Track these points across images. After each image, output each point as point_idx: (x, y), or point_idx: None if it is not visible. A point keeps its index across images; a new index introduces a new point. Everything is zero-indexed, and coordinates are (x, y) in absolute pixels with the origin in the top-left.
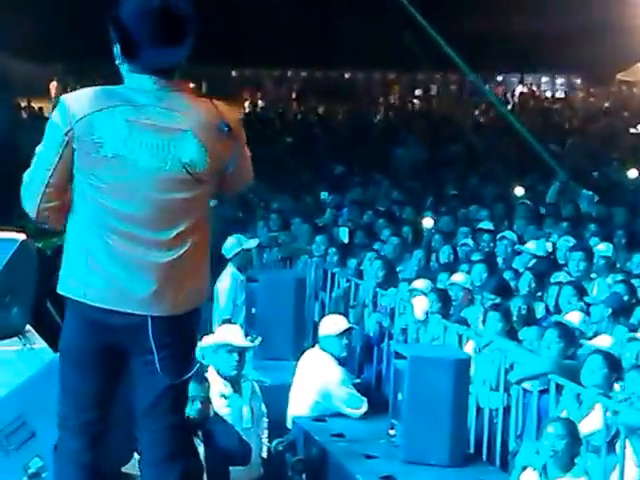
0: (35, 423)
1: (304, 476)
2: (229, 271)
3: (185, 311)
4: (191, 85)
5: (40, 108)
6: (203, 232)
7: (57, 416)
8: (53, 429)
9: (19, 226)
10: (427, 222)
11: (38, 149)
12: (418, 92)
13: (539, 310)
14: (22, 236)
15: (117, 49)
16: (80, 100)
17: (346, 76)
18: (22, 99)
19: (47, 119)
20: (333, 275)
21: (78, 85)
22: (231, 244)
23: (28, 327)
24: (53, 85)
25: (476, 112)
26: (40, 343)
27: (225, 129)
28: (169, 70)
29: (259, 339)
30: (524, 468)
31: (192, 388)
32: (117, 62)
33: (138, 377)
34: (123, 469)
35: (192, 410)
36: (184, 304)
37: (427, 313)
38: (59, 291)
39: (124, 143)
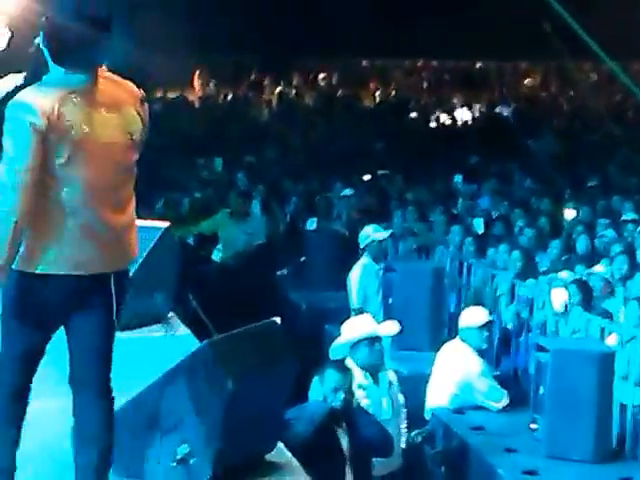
0: (183, 410)
1: (443, 468)
2: (362, 261)
3: (130, 262)
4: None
5: (176, 97)
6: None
7: None
8: (201, 416)
9: (161, 214)
10: (569, 213)
11: (10, 151)
12: (551, 81)
13: None
14: (165, 224)
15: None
16: (40, 96)
17: (477, 66)
18: (159, 90)
19: (186, 107)
20: (470, 266)
21: (216, 78)
22: (365, 234)
23: (171, 314)
24: (197, 75)
25: (614, 101)
26: (183, 330)
27: (143, 99)
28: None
29: (397, 325)
30: None
31: (336, 378)
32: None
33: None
34: (267, 457)
35: (336, 400)
36: (130, 257)
37: (566, 305)
38: (25, 269)
39: (85, 123)
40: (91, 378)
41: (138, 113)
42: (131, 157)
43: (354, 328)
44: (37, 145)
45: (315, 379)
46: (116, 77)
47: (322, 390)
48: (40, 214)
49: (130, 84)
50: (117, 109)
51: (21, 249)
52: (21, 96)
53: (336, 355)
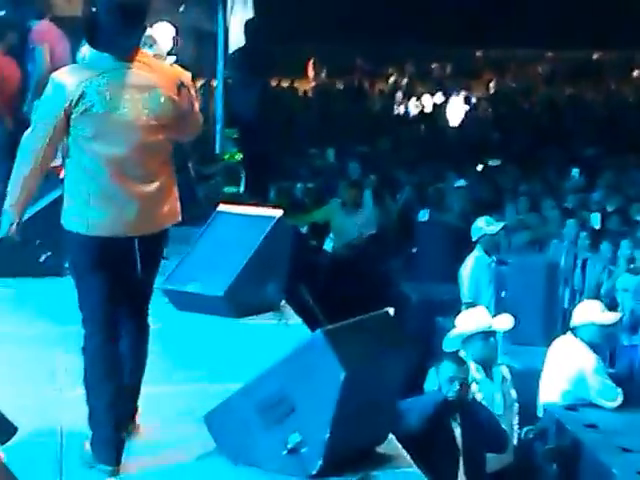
0: (295, 398)
1: (555, 466)
2: (474, 254)
3: (161, 229)
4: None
5: (287, 88)
6: (170, 167)
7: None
8: (313, 405)
9: (275, 203)
10: None
11: (38, 116)
12: None
13: None
14: (279, 212)
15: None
16: (70, 75)
17: (594, 57)
18: (274, 79)
19: (300, 97)
20: (585, 260)
21: (329, 67)
22: (477, 227)
23: (283, 302)
24: (314, 65)
25: None
26: (295, 319)
27: (181, 85)
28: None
29: (511, 319)
30: None
31: (451, 369)
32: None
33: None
34: (378, 448)
35: (450, 391)
36: (161, 224)
37: None
38: (65, 227)
39: (109, 102)
40: (128, 313)
41: (170, 97)
42: (157, 136)
43: (469, 321)
44: (58, 118)
45: (431, 370)
46: (156, 62)
47: (437, 380)
48: (74, 182)
49: (172, 70)
50: (146, 92)
51: (69, 211)
52: (58, 72)
53: (449, 347)
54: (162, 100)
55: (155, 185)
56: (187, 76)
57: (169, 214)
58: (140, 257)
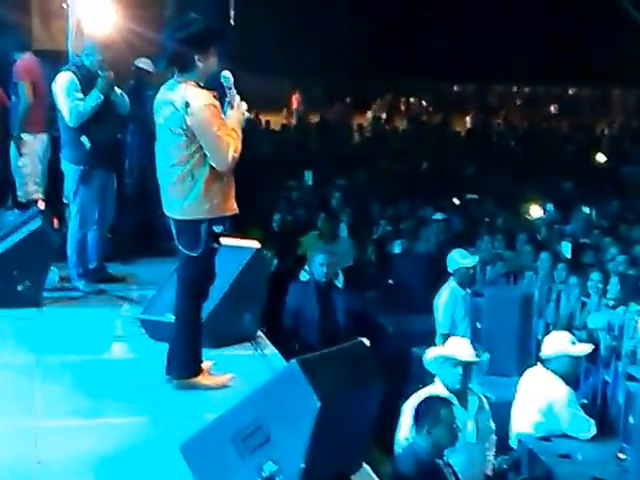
0: (270, 428)
1: None
2: (449, 285)
3: (184, 218)
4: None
5: (267, 121)
6: (190, 167)
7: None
8: (288, 434)
9: (252, 235)
10: None
11: None
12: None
13: None
14: (256, 245)
15: None
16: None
17: (570, 92)
18: (251, 112)
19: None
20: (559, 293)
21: (308, 101)
22: (451, 259)
23: (259, 333)
24: (295, 98)
25: None
26: (271, 349)
27: (185, 105)
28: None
29: (486, 355)
30: None
31: (439, 412)
32: None
33: None
34: (353, 477)
35: (440, 436)
36: (183, 213)
37: None
38: None
39: (157, 113)
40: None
41: (178, 111)
42: (171, 140)
43: (448, 348)
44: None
45: (407, 407)
46: (184, 86)
47: (426, 422)
48: None
49: (187, 91)
50: (167, 105)
51: None
52: None
53: (428, 367)
54: (174, 115)
55: (173, 179)
56: (197, 101)
57: (188, 209)
58: (176, 234)
